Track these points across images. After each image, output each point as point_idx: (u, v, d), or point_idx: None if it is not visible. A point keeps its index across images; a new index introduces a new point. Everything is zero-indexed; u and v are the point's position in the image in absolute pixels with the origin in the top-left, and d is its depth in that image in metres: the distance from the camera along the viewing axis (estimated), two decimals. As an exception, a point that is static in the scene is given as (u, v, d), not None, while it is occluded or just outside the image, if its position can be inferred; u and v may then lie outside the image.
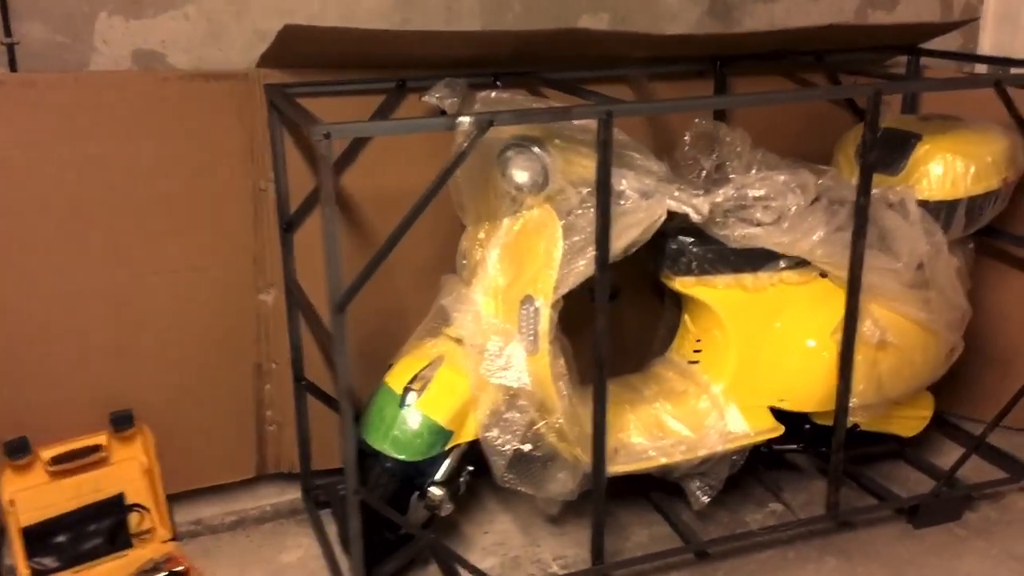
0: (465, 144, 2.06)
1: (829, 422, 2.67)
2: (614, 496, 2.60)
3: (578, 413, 2.39)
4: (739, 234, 2.52)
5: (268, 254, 2.68)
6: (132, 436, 2.63)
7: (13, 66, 2.45)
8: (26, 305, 2.49)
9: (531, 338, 2.32)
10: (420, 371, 2.38)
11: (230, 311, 2.68)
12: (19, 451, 2.46)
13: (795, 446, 2.80)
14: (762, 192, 2.51)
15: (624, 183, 2.35)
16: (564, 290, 2.31)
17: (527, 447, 2.37)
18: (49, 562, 2.51)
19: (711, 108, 2.91)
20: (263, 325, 2.73)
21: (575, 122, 2.40)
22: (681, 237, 2.56)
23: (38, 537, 2.50)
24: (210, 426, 2.75)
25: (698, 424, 2.63)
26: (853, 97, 3.06)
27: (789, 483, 2.98)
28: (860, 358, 2.61)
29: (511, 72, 2.69)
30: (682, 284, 2.60)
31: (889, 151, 2.72)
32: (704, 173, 2.58)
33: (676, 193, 2.38)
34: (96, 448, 2.54)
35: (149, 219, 2.54)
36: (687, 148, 2.61)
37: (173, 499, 2.70)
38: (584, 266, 2.29)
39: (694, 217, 2.40)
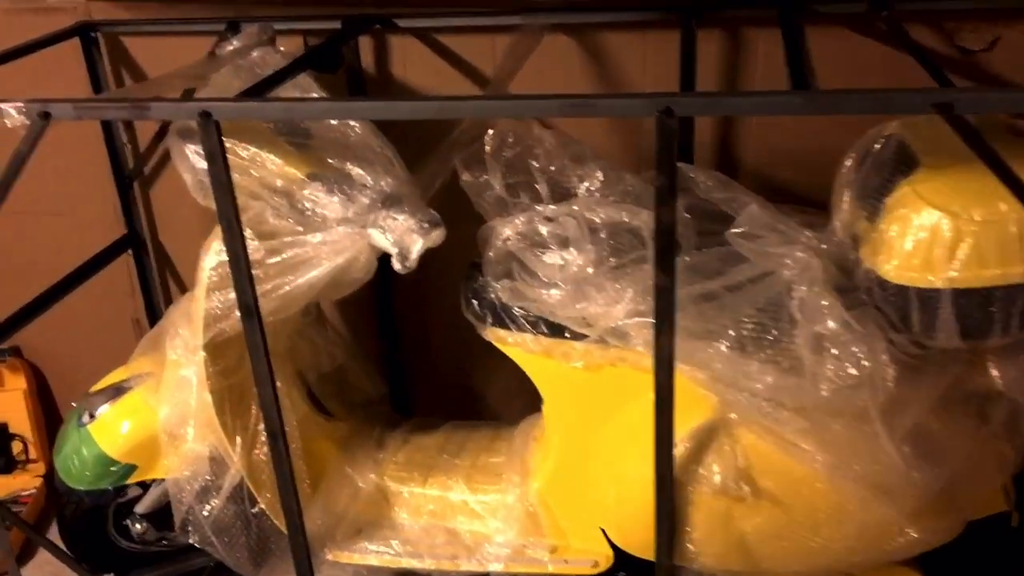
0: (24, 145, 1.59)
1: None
2: None
3: (264, 478, 1.87)
4: (505, 285, 1.71)
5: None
6: (15, 368, 2.65)
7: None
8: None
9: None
10: (110, 386, 2.01)
11: (101, 262, 2.49)
12: (-95, 368, 2.62)
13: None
14: (547, 232, 1.66)
15: (316, 202, 1.69)
16: (211, 332, 1.77)
17: (211, 504, 1.91)
18: (-69, 477, 2.67)
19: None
20: (134, 280, 2.53)
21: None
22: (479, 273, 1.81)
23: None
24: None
25: (479, 525, 1.93)
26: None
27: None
28: (702, 503, 1.68)
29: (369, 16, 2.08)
30: (488, 332, 1.84)
31: (881, 181, 1.62)
32: (491, 194, 1.75)
33: (384, 223, 1.65)
34: (-30, 376, 2.61)
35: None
36: (490, 156, 1.76)
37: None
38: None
39: (396, 265, 1.65)
